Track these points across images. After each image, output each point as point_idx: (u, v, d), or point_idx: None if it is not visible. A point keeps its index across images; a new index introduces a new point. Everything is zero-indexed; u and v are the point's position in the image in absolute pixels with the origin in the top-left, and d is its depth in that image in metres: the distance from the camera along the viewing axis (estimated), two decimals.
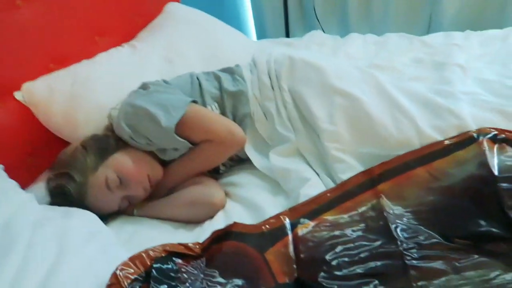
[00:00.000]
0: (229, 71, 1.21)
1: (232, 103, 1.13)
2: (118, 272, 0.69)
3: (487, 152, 0.85)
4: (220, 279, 0.75)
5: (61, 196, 1.02)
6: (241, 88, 1.15)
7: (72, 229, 0.82)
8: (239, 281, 0.75)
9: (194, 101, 1.09)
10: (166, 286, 0.69)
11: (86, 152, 1.05)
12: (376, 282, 0.71)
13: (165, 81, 1.18)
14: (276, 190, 1.04)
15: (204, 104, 1.13)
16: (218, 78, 1.18)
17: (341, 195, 0.87)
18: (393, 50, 1.39)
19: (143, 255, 0.74)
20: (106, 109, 1.18)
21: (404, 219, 0.81)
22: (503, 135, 0.89)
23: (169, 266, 0.72)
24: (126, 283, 0.68)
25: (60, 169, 1.04)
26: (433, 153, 0.90)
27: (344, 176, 0.93)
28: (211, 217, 1.01)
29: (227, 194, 1.08)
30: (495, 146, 0.86)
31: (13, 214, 0.83)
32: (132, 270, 0.71)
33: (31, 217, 0.83)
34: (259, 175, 1.11)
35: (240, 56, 1.38)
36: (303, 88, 1.07)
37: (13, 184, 1.02)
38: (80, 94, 1.21)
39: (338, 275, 0.73)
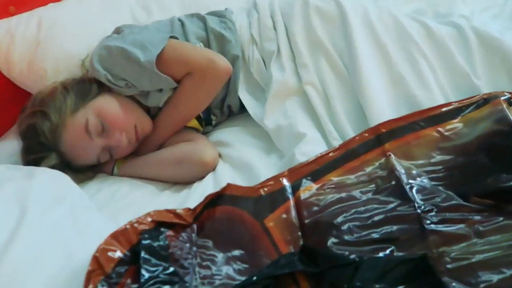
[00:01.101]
0: (215, 13, 1.07)
1: (219, 44, 1.00)
2: (98, 254, 0.56)
3: (505, 109, 0.75)
4: (215, 251, 0.64)
5: (33, 138, 0.90)
6: (229, 31, 1.02)
7: (36, 190, 0.69)
8: (236, 252, 0.64)
9: (174, 37, 0.96)
10: (160, 268, 0.56)
11: (67, 92, 0.91)
12: (392, 248, 0.62)
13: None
14: (269, 149, 0.93)
15: None
16: (203, 19, 1.04)
17: (344, 154, 0.76)
18: (392, 0, 1.27)
19: (128, 228, 0.61)
20: (76, 58, 1.03)
21: (418, 179, 0.71)
22: None
23: (160, 243, 0.59)
24: (109, 268, 0.55)
25: (35, 107, 0.91)
26: (443, 114, 0.80)
27: (369, 109, 0.84)
28: (202, 177, 0.89)
29: None
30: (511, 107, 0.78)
31: None
32: (116, 250, 0.57)
33: None
34: (250, 133, 0.99)
35: (225, 5, 1.22)
36: (324, 24, 0.95)
37: None
38: (47, 40, 1.06)
39: (349, 240, 0.63)
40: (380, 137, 0.77)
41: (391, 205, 0.67)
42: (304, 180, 0.73)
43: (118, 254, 0.57)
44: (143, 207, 0.77)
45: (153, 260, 0.57)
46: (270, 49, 0.98)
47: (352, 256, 0.60)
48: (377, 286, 0.57)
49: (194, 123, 1.02)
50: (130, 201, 0.88)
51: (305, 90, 0.91)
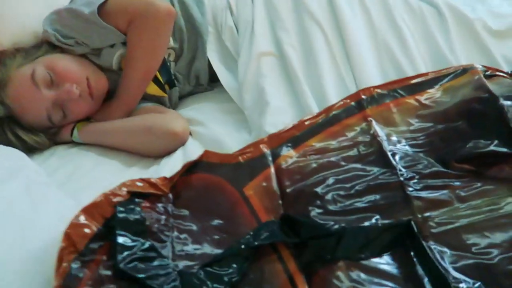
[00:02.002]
0: None
1: (182, 8, 0.97)
2: (70, 230, 0.50)
3: (483, 77, 0.75)
4: (192, 222, 0.60)
5: None
6: None
7: None
8: (214, 222, 0.60)
9: None
10: (137, 244, 0.52)
11: (17, 51, 0.89)
12: (377, 216, 0.60)
13: None
14: (240, 125, 0.88)
15: None
16: None
17: (325, 120, 0.74)
18: None
19: (102, 201, 0.55)
20: (34, 32, 0.95)
21: (398, 145, 0.69)
22: (490, 72, 0.80)
23: (136, 216, 0.54)
24: (82, 244, 0.50)
25: None
26: (421, 83, 0.79)
27: (358, 71, 0.82)
28: (171, 150, 0.84)
29: None
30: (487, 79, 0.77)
31: None
32: (89, 225, 0.52)
33: None
34: (221, 110, 0.94)
35: None
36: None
37: None
38: (2, 14, 0.94)
39: (333, 210, 0.60)
40: (361, 103, 0.74)
41: (374, 173, 0.65)
42: (284, 148, 0.69)
43: (92, 229, 0.52)
44: (109, 184, 0.71)
45: (129, 236, 0.52)
46: (245, 18, 0.94)
47: (336, 226, 0.57)
48: (361, 255, 0.55)
49: (154, 88, 0.96)
50: (93, 178, 0.81)
51: (284, 50, 0.86)
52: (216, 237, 0.58)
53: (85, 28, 0.88)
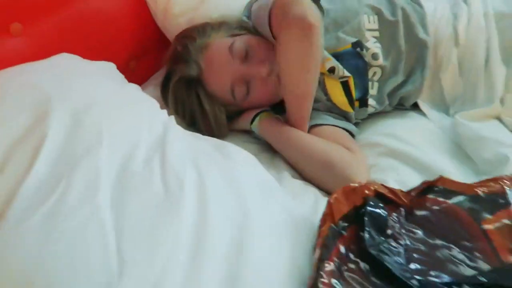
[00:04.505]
0: None
1: (407, 27, 0.92)
2: (332, 201, 0.58)
3: None
4: (424, 242, 0.58)
5: (180, 51, 0.90)
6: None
7: (243, 177, 0.62)
8: (451, 250, 0.57)
9: None
10: (383, 239, 0.55)
11: (221, 24, 0.94)
12: None
13: None
14: (458, 155, 0.81)
15: (357, 14, 0.93)
16: None
17: None
18: None
19: (357, 188, 0.60)
20: (237, 17, 0.99)
21: None
22: None
23: (382, 215, 0.58)
24: (337, 218, 0.57)
25: (188, 33, 0.94)
26: None
27: None
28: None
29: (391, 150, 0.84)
30: None
31: (163, 141, 0.64)
32: (345, 204, 0.58)
33: (183, 147, 0.64)
34: (428, 130, 0.88)
35: None
36: None
37: (135, 89, 0.80)
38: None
39: None
40: None
41: None
42: None
43: (345, 208, 0.58)
44: None
45: (373, 230, 0.55)
46: (478, 57, 0.84)
47: None
48: None
49: (342, 100, 0.91)
50: None
51: None
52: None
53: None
